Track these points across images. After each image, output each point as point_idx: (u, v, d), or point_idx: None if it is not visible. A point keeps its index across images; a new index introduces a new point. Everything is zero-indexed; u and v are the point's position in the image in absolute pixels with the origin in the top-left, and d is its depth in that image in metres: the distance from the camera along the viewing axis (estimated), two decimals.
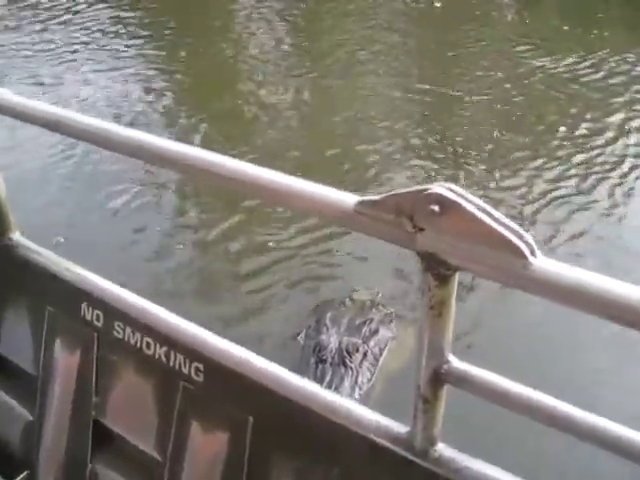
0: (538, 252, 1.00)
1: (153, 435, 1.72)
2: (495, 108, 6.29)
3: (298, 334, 3.65)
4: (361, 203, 1.14)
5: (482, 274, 1.06)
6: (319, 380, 3.18)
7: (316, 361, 3.32)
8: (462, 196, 1.03)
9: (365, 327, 3.57)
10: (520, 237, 1.00)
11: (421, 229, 1.07)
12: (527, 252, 1.00)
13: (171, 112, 6.32)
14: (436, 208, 1.03)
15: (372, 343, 3.50)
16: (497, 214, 1.02)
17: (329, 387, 3.15)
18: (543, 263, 1.00)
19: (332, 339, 3.41)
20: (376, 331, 3.58)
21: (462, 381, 1.18)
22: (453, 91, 6.54)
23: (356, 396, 3.22)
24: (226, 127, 5.99)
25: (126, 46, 7.68)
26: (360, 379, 3.31)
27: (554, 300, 1.00)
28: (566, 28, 8.00)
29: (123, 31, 8.09)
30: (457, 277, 1.10)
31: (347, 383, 3.27)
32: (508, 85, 6.59)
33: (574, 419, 1.09)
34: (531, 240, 1.00)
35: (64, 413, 1.88)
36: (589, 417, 1.08)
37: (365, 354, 3.42)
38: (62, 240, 4.25)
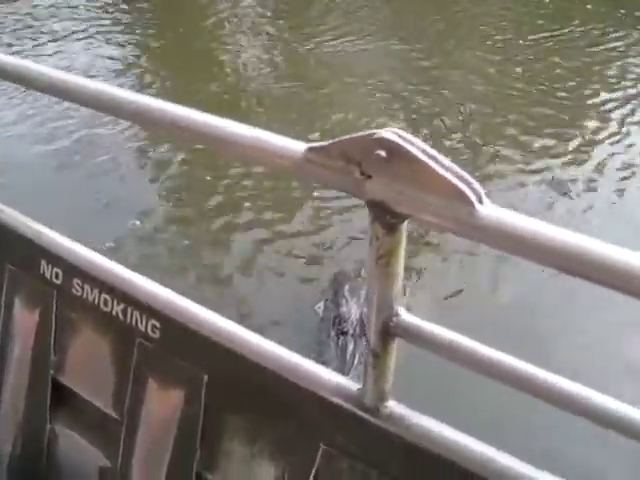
0: (486, 199, 0.98)
1: (110, 393, 1.71)
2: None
3: (316, 305, 3.63)
4: (310, 150, 1.11)
5: (430, 222, 1.04)
6: (342, 352, 3.19)
7: (337, 333, 3.33)
8: (409, 141, 1.00)
9: (353, 300, 3.57)
10: (467, 184, 0.98)
11: (369, 176, 1.05)
12: (474, 199, 0.98)
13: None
14: (383, 153, 1.01)
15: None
16: (445, 160, 1.00)
17: (352, 359, 3.15)
18: (490, 210, 0.98)
19: (352, 311, 3.41)
20: (364, 305, 3.56)
21: (412, 334, 1.17)
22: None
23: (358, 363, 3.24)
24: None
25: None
26: (361, 346, 3.30)
27: (501, 248, 0.99)
28: None
29: None
30: (406, 226, 1.08)
31: (350, 347, 3.30)
32: None
33: (523, 374, 1.08)
34: (479, 187, 0.98)
35: (23, 372, 1.86)
36: (537, 372, 1.07)
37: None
38: (138, 223, 4.14)
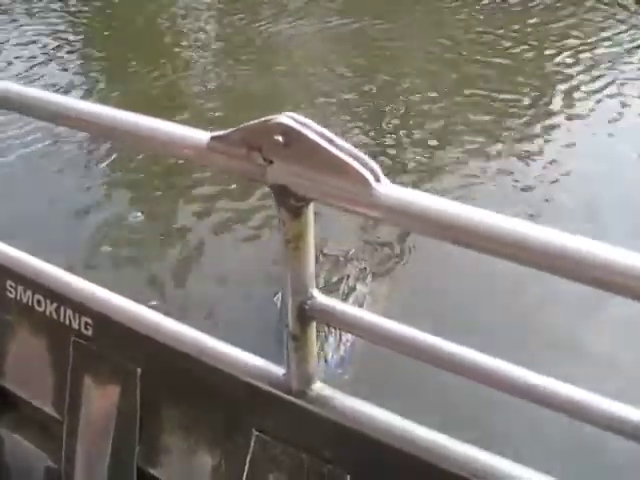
0: (383, 178, 1.00)
1: (50, 393, 1.71)
2: None
3: (274, 295, 3.60)
4: (213, 139, 1.12)
5: (331, 203, 1.05)
6: None
7: None
8: (306, 125, 1.01)
9: (343, 284, 3.56)
10: (364, 164, 1.00)
11: (270, 161, 1.06)
12: (371, 179, 0.99)
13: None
14: (280, 139, 1.02)
15: (351, 300, 3.49)
16: (341, 142, 1.01)
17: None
18: (387, 189, 0.99)
19: None
20: (353, 288, 3.58)
21: (327, 316, 1.19)
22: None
23: (342, 353, 3.24)
24: None
25: None
26: (344, 337, 3.29)
27: (399, 225, 1.02)
28: None
29: None
30: (312, 208, 1.09)
31: (332, 340, 3.28)
32: None
33: (435, 349, 1.10)
34: (376, 167, 1.00)
35: None
36: (447, 345, 1.10)
37: None
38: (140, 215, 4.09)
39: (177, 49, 7.05)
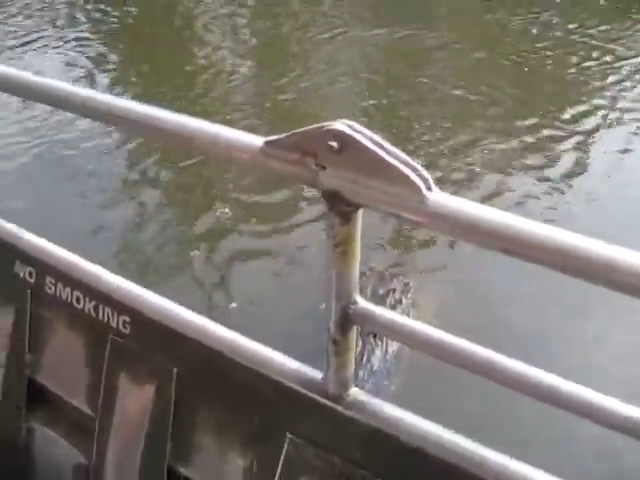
0: (434, 187, 1.02)
1: (84, 390, 1.73)
2: None
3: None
4: (267, 144, 1.15)
5: (381, 210, 1.07)
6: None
7: None
8: (360, 132, 1.04)
9: (389, 297, 3.62)
10: (416, 172, 1.02)
11: (323, 167, 1.08)
12: (423, 186, 1.01)
13: None
14: (335, 144, 1.04)
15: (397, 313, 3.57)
16: (394, 149, 1.03)
17: (360, 357, 3.23)
18: (438, 197, 1.01)
19: None
20: (400, 301, 3.64)
21: (369, 321, 1.20)
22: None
23: (388, 365, 3.30)
24: None
25: None
26: (390, 349, 3.37)
27: (449, 234, 1.03)
28: None
29: None
30: (361, 214, 1.11)
31: (378, 352, 3.33)
32: None
33: (478, 358, 1.12)
34: (427, 175, 1.02)
35: None
36: (492, 355, 1.11)
37: None
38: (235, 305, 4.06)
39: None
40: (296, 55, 7.11)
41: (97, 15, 8.02)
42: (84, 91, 1.43)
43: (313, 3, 8.29)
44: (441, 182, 4.77)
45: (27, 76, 1.53)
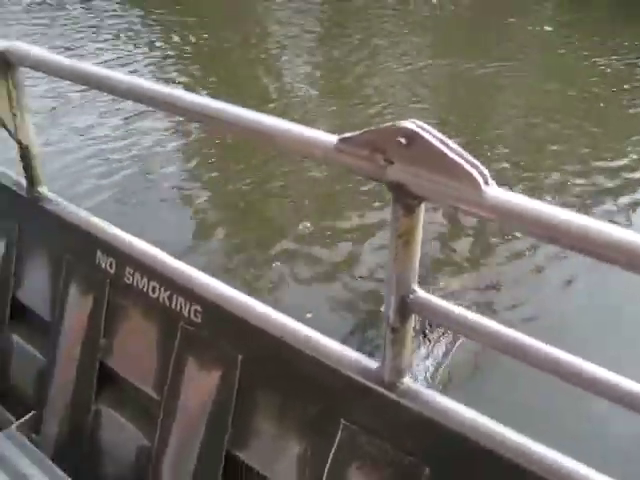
0: (491, 181, 1.11)
1: (152, 375, 1.84)
2: None
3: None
4: (341, 140, 1.25)
5: (443, 202, 1.16)
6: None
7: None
8: (426, 130, 1.14)
9: None
10: (476, 168, 1.11)
11: (391, 162, 1.18)
12: (481, 181, 1.10)
13: None
14: (403, 140, 1.14)
15: None
16: (456, 147, 1.13)
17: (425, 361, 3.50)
18: (495, 192, 1.10)
19: None
20: None
21: (427, 310, 1.28)
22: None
23: (428, 365, 3.46)
24: None
25: None
26: (436, 351, 3.53)
27: (503, 225, 1.11)
28: None
29: None
30: (423, 207, 1.20)
31: (423, 350, 3.51)
32: None
33: (528, 348, 1.18)
34: (485, 171, 1.11)
35: (73, 356, 2.01)
36: (544, 347, 1.17)
37: (444, 333, 3.65)
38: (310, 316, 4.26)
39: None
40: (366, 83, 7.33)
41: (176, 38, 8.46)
42: (173, 90, 1.57)
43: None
44: None
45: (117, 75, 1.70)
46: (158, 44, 8.62)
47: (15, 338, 2.22)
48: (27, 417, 2.10)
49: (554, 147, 5.81)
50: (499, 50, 8.15)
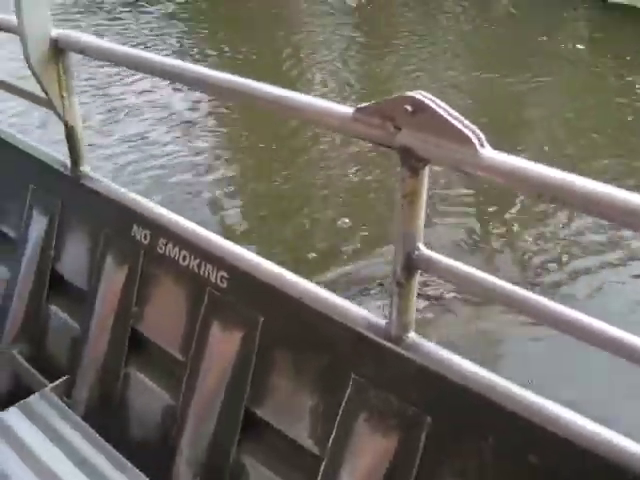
0: (486, 144, 1.24)
1: (179, 338, 1.98)
2: None
3: None
4: (357, 110, 1.39)
5: (444, 163, 1.29)
6: None
7: None
8: (430, 99, 1.27)
9: None
10: (472, 131, 1.24)
11: (399, 128, 1.31)
12: (477, 143, 1.23)
13: None
14: (409, 108, 1.28)
15: None
16: (456, 114, 1.26)
17: None
18: (490, 153, 1.23)
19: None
20: None
21: (431, 266, 1.40)
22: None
23: None
24: None
25: None
26: None
27: (498, 181, 1.23)
28: None
29: None
30: (427, 170, 1.33)
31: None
32: None
33: (526, 301, 1.28)
34: (481, 134, 1.24)
35: (106, 323, 2.16)
36: (543, 301, 1.27)
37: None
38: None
39: None
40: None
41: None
42: (200, 69, 1.74)
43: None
44: None
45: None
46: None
47: (53, 308, 2.38)
48: (60, 380, 2.25)
49: (592, 163, 5.90)
50: (534, 66, 8.26)
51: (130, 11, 10.32)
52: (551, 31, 9.58)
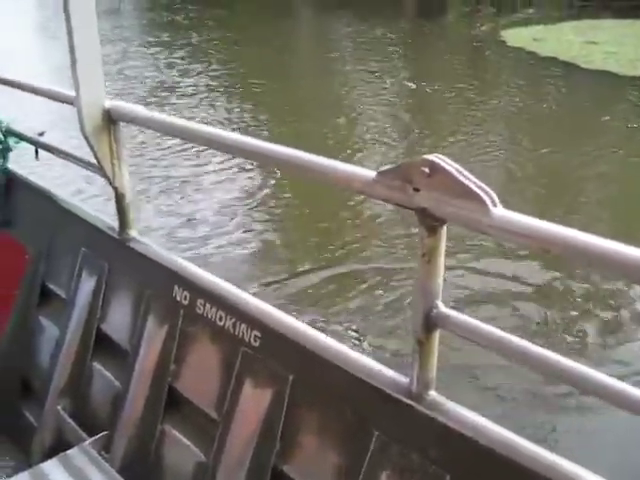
0: (498, 203, 1.28)
1: (213, 396, 2.02)
2: None
3: None
4: (380, 174, 1.46)
5: (459, 223, 1.34)
6: None
7: None
8: (446, 162, 1.34)
9: None
10: (485, 192, 1.29)
11: (417, 190, 1.37)
12: (489, 203, 1.28)
13: None
14: (427, 170, 1.34)
15: None
16: (470, 175, 1.32)
17: None
18: (501, 212, 1.28)
19: None
20: None
21: (450, 324, 1.43)
22: None
23: None
24: None
25: None
26: None
27: (510, 241, 1.27)
28: None
29: None
30: (445, 229, 1.38)
31: None
32: None
33: (545, 361, 1.30)
34: (493, 194, 1.29)
35: (145, 380, 2.23)
36: (561, 360, 1.28)
37: None
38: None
39: None
40: None
41: None
42: (244, 138, 1.84)
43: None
44: None
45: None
46: None
47: (97, 366, 2.47)
48: (100, 435, 2.31)
49: None
50: (596, 144, 8.52)
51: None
52: (611, 113, 9.81)
